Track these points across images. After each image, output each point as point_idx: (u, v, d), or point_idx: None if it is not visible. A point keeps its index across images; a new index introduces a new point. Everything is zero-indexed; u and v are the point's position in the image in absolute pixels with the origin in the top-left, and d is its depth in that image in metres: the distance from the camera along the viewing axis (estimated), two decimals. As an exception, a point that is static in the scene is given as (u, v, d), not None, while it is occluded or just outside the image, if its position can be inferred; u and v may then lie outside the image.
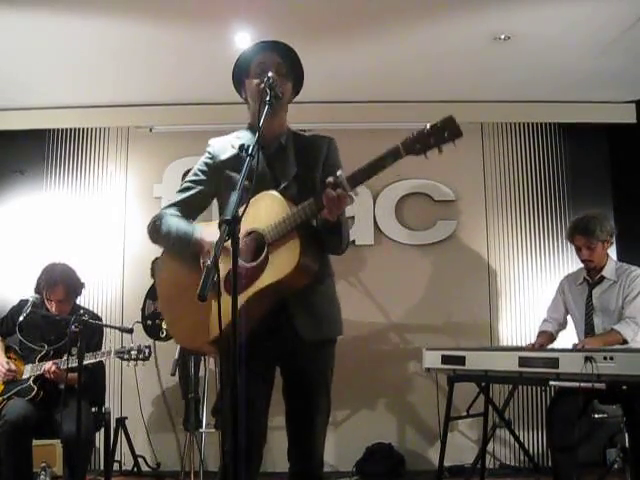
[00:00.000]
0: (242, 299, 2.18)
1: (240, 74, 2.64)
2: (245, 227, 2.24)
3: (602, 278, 4.06)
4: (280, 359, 2.53)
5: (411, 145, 2.35)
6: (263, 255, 2.37)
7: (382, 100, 5.53)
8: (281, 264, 2.33)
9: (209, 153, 2.70)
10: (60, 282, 4.12)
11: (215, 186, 2.67)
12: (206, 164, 2.68)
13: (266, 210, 2.40)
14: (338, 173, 2.30)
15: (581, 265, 4.19)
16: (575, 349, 3.55)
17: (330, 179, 2.29)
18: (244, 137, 2.64)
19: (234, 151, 2.56)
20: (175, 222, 2.57)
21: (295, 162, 2.62)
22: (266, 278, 2.34)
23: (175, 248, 2.55)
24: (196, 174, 2.69)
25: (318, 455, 2.64)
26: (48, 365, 3.90)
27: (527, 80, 5.21)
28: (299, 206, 2.34)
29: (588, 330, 4.05)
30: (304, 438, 2.61)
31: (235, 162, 2.50)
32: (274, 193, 2.44)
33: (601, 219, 4.06)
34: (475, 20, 4.32)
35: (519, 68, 5.00)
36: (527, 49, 4.68)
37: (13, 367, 3.99)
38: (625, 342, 3.75)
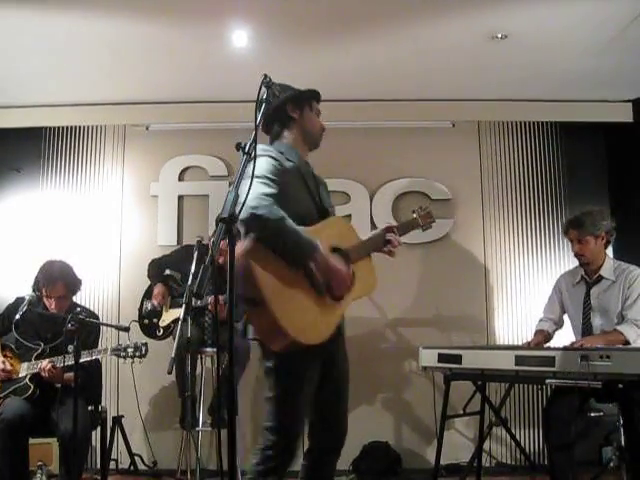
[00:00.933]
0: (344, 304, 2.77)
1: (305, 99, 3.00)
2: (327, 243, 2.68)
3: (600, 278, 4.06)
4: (327, 354, 2.80)
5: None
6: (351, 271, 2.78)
7: (378, 99, 5.54)
8: (367, 282, 2.92)
9: (274, 159, 2.74)
10: (60, 279, 4.12)
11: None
12: (275, 167, 2.71)
13: (341, 232, 2.89)
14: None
15: (577, 263, 4.20)
16: (572, 347, 3.55)
17: (392, 226, 3.07)
18: (290, 154, 2.87)
19: (291, 163, 2.81)
20: (291, 224, 2.60)
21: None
22: (357, 291, 2.82)
23: (287, 248, 2.59)
24: (272, 173, 2.68)
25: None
26: (44, 363, 3.90)
27: (524, 79, 5.22)
28: (371, 235, 3.00)
29: (586, 330, 4.05)
30: (341, 420, 2.99)
31: (295, 173, 2.82)
32: (345, 220, 2.92)
33: (595, 214, 4.06)
34: (472, 19, 4.32)
35: (516, 67, 5.00)
36: (524, 48, 4.68)
37: (8, 367, 3.99)
38: (627, 344, 3.76)
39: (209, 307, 4.65)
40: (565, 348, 3.45)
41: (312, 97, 3.06)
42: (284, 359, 2.66)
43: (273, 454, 2.68)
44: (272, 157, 2.72)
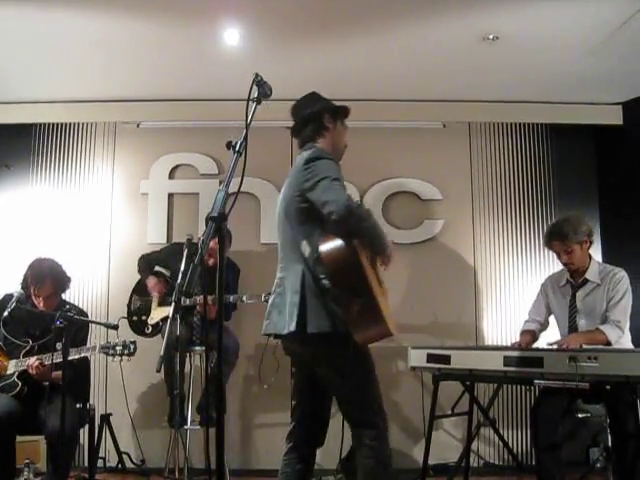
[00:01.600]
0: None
1: (341, 113, 3.20)
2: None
3: (586, 281, 4.08)
4: None
5: None
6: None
7: (369, 98, 5.53)
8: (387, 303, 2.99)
9: (336, 164, 2.97)
10: (48, 277, 4.10)
11: None
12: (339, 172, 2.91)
13: None
14: None
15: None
16: (560, 349, 3.57)
17: None
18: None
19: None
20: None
21: None
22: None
23: (377, 239, 2.83)
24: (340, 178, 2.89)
25: None
26: (32, 360, 3.88)
27: (515, 80, 5.24)
28: None
29: (572, 332, 4.07)
30: None
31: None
32: None
33: (573, 221, 4.06)
34: (463, 20, 4.33)
35: (507, 68, 5.02)
36: (515, 50, 4.70)
37: (-3, 363, 3.98)
38: (609, 344, 3.78)
39: (197, 307, 4.66)
40: (552, 349, 3.47)
41: (345, 114, 3.23)
42: (362, 348, 2.84)
43: (387, 434, 2.91)
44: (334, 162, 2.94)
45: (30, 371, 3.87)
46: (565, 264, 4.10)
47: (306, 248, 2.84)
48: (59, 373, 3.68)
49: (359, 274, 2.71)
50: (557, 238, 4.05)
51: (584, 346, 3.54)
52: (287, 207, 2.97)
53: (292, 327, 2.75)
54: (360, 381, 2.88)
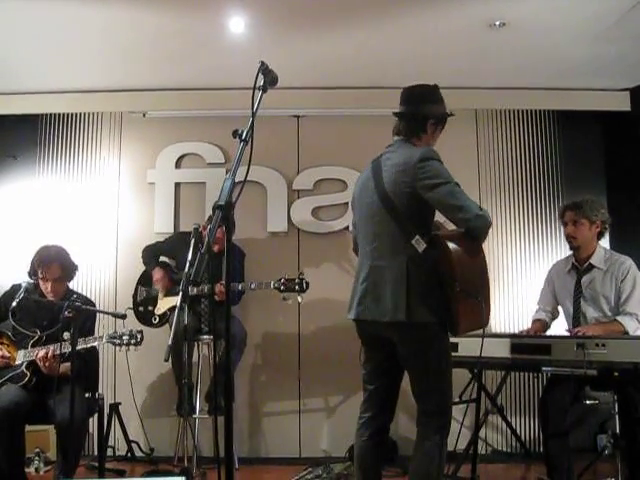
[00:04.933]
0: None
1: (444, 120, 3.25)
2: None
3: (591, 266, 4.07)
4: None
5: None
6: None
7: (376, 86, 5.51)
8: None
9: None
10: (55, 260, 4.10)
11: None
12: None
13: None
14: None
15: (570, 252, 4.20)
16: (570, 336, 3.56)
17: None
18: None
19: None
20: None
21: None
22: None
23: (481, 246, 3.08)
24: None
25: None
26: (42, 353, 3.88)
27: (522, 67, 5.20)
28: None
29: (577, 317, 4.07)
30: None
31: None
32: None
33: (595, 202, 4.09)
34: (470, 6, 4.29)
35: (514, 55, 4.98)
36: (522, 36, 4.66)
37: (6, 354, 3.98)
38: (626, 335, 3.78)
39: (216, 296, 4.64)
40: (559, 336, 3.46)
41: (446, 121, 3.27)
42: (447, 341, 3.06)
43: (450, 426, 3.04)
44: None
45: (39, 363, 3.88)
46: (568, 235, 4.11)
47: (420, 243, 2.95)
48: (67, 365, 3.69)
49: (486, 277, 3.07)
50: (571, 207, 4.10)
51: None
52: (391, 200, 3.04)
53: (400, 316, 2.90)
54: (444, 371, 3.04)
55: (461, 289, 2.88)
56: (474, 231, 2.94)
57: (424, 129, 3.19)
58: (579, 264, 4.13)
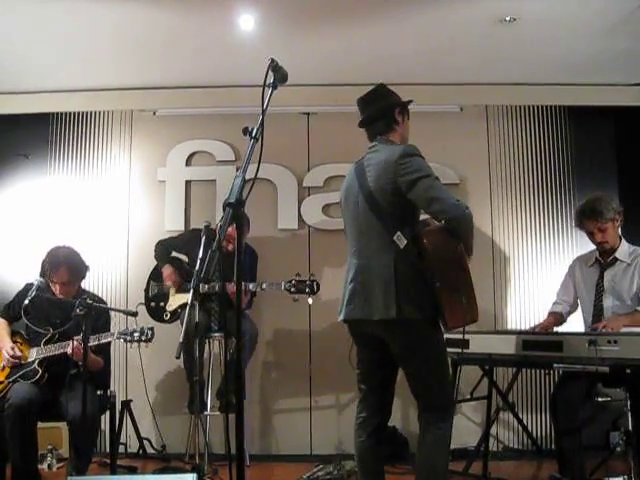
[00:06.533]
0: None
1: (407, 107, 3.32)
2: None
3: (615, 260, 4.04)
4: None
5: None
6: None
7: (386, 82, 5.48)
8: None
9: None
10: (64, 264, 4.12)
11: None
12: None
13: None
14: None
15: (592, 247, 4.17)
16: (585, 332, 3.54)
17: None
18: None
19: None
20: None
21: None
22: None
23: (467, 241, 3.14)
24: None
25: None
26: (75, 345, 3.89)
27: (532, 62, 5.18)
28: None
29: (597, 312, 4.04)
30: None
31: None
32: None
33: (606, 199, 4.03)
34: (481, 1, 4.28)
35: (525, 50, 4.97)
36: (533, 31, 4.65)
37: (18, 353, 4.00)
38: None
39: (229, 296, 4.64)
40: (571, 333, 3.44)
41: (407, 108, 3.35)
42: (441, 336, 3.08)
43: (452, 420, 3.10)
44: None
45: (69, 353, 3.90)
46: (599, 243, 4.05)
47: (401, 240, 2.95)
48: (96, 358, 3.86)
49: (465, 272, 3.08)
50: (590, 216, 4.00)
51: (625, 329, 3.49)
52: (374, 198, 3.05)
53: (390, 314, 2.90)
54: (440, 366, 3.08)
55: (440, 285, 2.91)
56: (451, 222, 2.97)
57: (394, 119, 3.24)
58: (603, 258, 4.10)
